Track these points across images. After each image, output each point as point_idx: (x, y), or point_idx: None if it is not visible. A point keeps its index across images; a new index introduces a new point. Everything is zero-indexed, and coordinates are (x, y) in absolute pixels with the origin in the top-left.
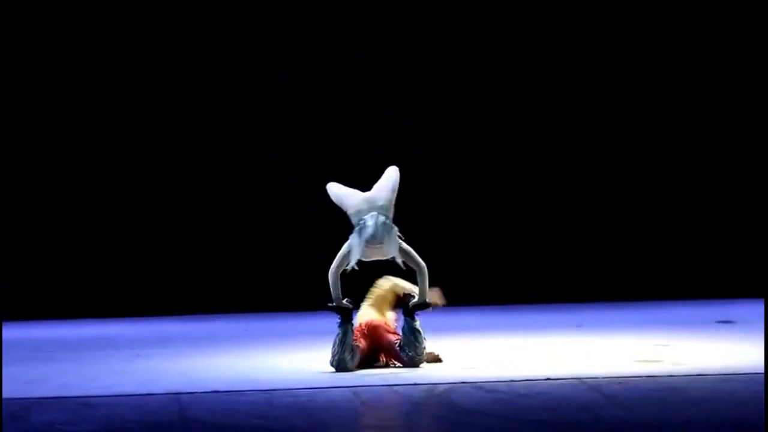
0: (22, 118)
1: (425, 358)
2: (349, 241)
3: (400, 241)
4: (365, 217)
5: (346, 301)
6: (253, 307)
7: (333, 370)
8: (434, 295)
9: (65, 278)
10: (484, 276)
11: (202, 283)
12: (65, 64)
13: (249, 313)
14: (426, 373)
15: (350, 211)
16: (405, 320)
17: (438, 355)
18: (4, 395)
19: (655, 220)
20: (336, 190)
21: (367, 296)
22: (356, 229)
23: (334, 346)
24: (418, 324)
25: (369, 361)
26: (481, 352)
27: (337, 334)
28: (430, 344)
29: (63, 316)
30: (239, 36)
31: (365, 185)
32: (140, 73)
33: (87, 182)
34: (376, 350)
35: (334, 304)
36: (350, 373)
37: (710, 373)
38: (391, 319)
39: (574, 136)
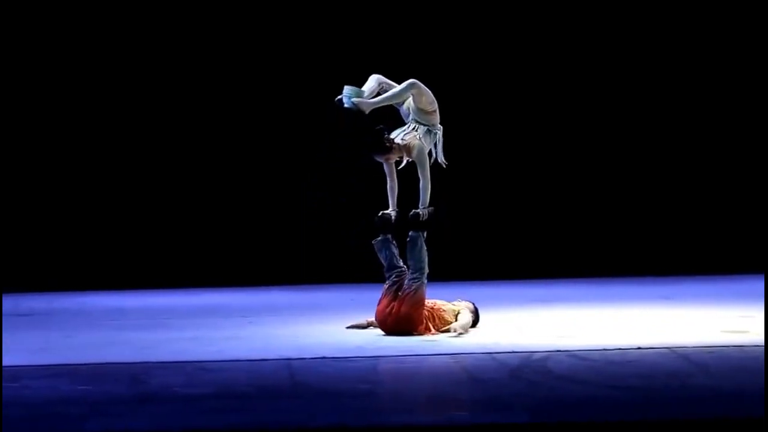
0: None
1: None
2: (419, 146)
3: None
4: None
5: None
6: (357, 278)
7: (430, 336)
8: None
9: (177, 249)
10: (580, 251)
11: (308, 254)
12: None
13: (354, 284)
14: (523, 341)
15: (436, 111)
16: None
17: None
18: (125, 359)
19: (740, 193)
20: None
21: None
22: (428, 130)
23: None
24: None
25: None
26: (576, 322)
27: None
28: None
29: (175, 285)
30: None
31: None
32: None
33: (198, 158)
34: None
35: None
36: (452, 341)
37: None
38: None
39: (646, 109)
